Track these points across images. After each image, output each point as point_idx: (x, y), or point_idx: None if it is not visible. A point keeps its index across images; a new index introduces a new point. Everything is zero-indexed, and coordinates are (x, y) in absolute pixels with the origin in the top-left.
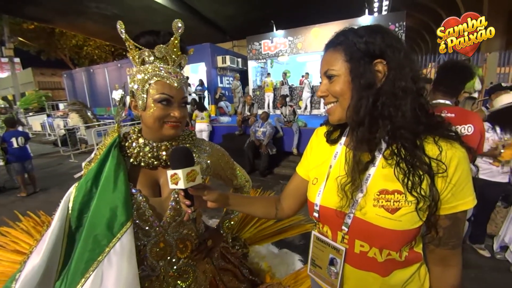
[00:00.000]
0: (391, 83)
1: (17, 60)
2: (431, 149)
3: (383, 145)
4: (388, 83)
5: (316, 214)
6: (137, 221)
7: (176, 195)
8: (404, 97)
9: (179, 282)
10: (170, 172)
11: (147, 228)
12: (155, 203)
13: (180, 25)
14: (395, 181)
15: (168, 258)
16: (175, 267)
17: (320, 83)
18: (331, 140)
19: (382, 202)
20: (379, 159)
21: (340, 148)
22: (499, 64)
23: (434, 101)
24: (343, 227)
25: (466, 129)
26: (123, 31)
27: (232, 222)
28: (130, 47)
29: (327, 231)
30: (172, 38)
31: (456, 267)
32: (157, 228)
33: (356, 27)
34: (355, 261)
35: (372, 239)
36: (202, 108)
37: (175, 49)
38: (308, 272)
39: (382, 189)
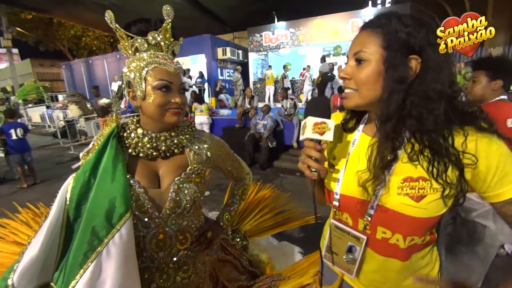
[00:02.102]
0: (425, 84)
1: (15, 51)
2: (458, 139)
3: (405, 140)
4: (422, 83)
5: (336, 203)
6: (136, 213)
7: (175, 186)
8: (438, 101)
9: (179, 273)
10: (315, 119)
11: (146, 219)
12: (154, 194)
13: (170, 10)
14: (420, 168)
15: (168, 249)
16: (174, 259)
17: (346, 63)
18: (348, 129)
19: (406, 190)
20: (403, 149)
21: (359, 135)
22: None
23: (503, 97)
24: (366, 216)
25: None
26: (113, 21)
27: (232, 214)
28: (122, 36)
29: (347, 218)
30: (164, 24)
31: None
32: (156, 220)
33: (403, 14)
34: (376, 246)
35: (397, 227)
36: (201, 101)
37: (167, 35)
38: (323, 257)
39: (407, 176)
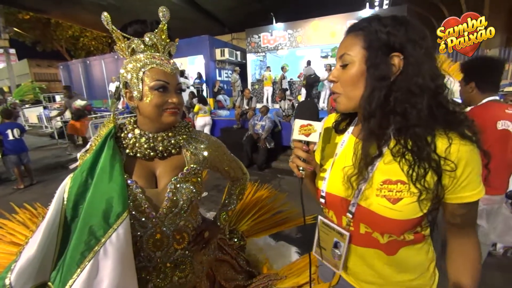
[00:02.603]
0: (407, 79)
1: (12, 51)
2: (442, 145)
3: (391, 135)
4: (404, 79)
5: (322, 200)
6: (133, 213)
7: (172, 186)
8: (420, 95)
9: (176, 273)
10: (302, 122)
11: (143, 219)
12: (151, 194)
13: (166, 11)
14: (400, 172)
15: (165, 249)
16: (172, 258)
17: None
18: (339, 130)
19: (384, 192)
20: (386, 149)
21: (348, 136)
22: None
23: (491, 98)
24: (348, 214)
25: None
26: (109, 22)
27: (229, 214)
28: (118, 38)
29: (332, 216)
30: (160, 25)
31: (474, 237)
32: (154, 220)
33: (383, 16)
34: (360, 240)
35: (374, 225)
36: (205, 102)
37: (163, 36)
38: (314, 253)
39: (386, 179)
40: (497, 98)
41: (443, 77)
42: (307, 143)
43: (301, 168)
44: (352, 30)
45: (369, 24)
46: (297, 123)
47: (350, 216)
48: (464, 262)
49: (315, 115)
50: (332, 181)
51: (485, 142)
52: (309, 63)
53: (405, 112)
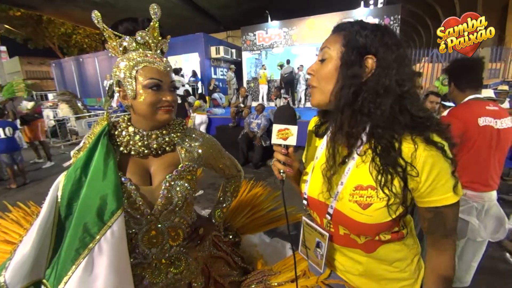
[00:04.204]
0: (375, 80)
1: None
2: (408, 150)
3: (363, 140)
4: (373, 79)
5: (305, 202)
6: (128, 210)
7: (167, 184)
8: (385, 96)
9: (171, 269)
10: (279, 126)
11: (138, 216)
12: (145, 191)
13: (157, 8)
14: (370, 177)
15: (160, 246)
16: (167, 255)
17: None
18: (319, 134)
19: (356, 197)
20: (358, 153)
21: (326, 139)
22: (491, 59)
23: (472, 96)
24: (327, 216)
25: (507, 122)
26: (100, 20)
27: (223, 211)
28: (110, 36)
29: (316, 217)
30: (151, 23)
31: (448, 252)
32: (148, 217)
33: (366, 22)
34: (341, 240)
35: (350, 228)
36: (204, 99)
37: (155, 34)
38: (299, 251)
39: (358, 184)
40: (479, 96)
41: (411, 84)
42: (286, 147)
43: (281, 171)
44: (336, 29)
45: (352, 26)
46: (275, 127)
47: (329, 218)
48: (434, 281)
49: (292, 119)
50: (312, 184)
51: (470, 139)
52: (288, 62)
53: (369, 112)
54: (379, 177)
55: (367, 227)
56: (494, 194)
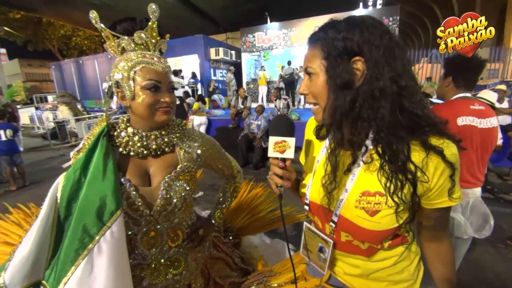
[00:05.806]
0: (368, 83)
1: (3, 50)
2: (418, 155)
3: (370, 146)
4: (366, 83)
5: (306, 207)
6: (127, 211)
7: (166, 184)
8: (381, 99)
9: (170, 270)
10: (276, 139)
11: (137, 217)
12: (145, 192)
13: (155, 8)
14: (378, 183)
15: (159, 246)
16: (166, 256)
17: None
18: (320, 137)
19: (363, 204)
20: (364, 159)
21: (328, 143)
22: (490, 60)
23: (461, 95)
24: (331, 223)
25: (492, 121)
26: (98, 21)
27: (223, 212)
28: (108, 36)
29: (318, 221)
30: (149, 23)
31: (447, 240)
32: (148, 218)
33: (338, 20)
34: (342, 247)
35: (354, 235)
36: (204, 101)
37: (154, 34)
38: (301, 253)
39: (365, 190)
40: (468, 95)
41: (408, 77)
42: (284, 160)
43: (279, 185)
44: (311, 41)
45: (325, 33)
46: (271, 140)
47: (333, 225)
48: (443, 264)
49: (289, 130)
50: (314, 189)
51: None
52: (289, 63)
53: (369, 118)
54: (388, 184)
55: (374, 234)
56: (478, 190)
